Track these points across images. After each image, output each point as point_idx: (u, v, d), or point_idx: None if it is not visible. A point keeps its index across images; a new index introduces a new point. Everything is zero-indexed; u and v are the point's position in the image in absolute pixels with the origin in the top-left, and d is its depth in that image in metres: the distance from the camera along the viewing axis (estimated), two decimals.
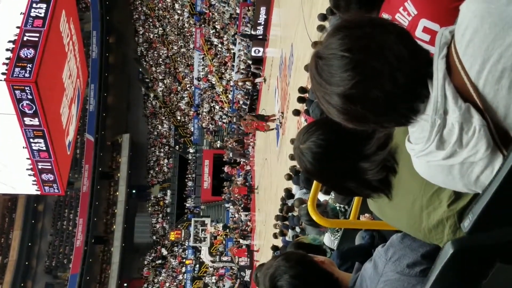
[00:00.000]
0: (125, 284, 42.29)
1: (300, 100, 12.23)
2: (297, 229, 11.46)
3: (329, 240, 4.62)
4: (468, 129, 1.10)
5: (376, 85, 1.11)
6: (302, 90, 11.85)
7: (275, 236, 15.67)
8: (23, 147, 22.01)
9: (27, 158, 22.63)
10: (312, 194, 3.14)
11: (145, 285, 42.65)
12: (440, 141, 1.15)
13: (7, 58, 19.66)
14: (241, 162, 31.23)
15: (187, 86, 41.46)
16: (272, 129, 22.46)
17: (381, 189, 1.52)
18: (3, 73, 19.43)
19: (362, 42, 1.13)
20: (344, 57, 1.12)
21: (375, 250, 3.27)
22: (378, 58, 1.11)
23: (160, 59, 43.82)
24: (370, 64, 1.11)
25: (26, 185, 24.32)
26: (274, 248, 15.21)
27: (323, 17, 9.98)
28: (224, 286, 34.22)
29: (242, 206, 30.36)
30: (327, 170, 1.59)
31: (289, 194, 13.15)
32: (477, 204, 1.15)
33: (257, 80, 27.61)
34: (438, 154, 1.17)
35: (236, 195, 30.79)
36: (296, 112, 13.20)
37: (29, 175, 23.53)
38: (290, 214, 12.47)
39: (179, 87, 42.52)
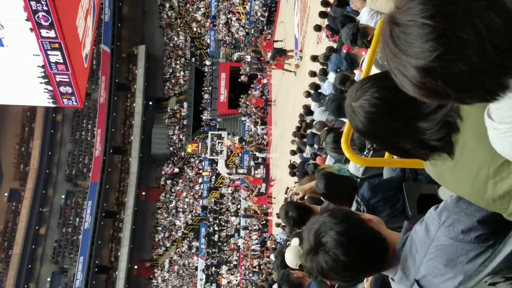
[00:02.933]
0: (143, 193, 43.40)
1: (322, 15, 11.88)
2: (315, 146, 11.51)
3: (354, 168, 4.60)
4: None
5: (461, 58, 0.99)
6: (325, 3, 11.43)
7: (293, 152, 15.78)
8: (34, 55, 21.82)
9: (38, 66, 22.47)
10: (346, 130, 3.08)
11: (163, 194, 43.80)
12: None
13: None
14: (258, 76, 31.02)
15: None
16: (291, 71, 21.82)
17: (441, 148, 1.42)
18: None
19: (447, 8, 1.00)
20: (425, 25, 1.00)
21: (404, 186, 3.22)
22: (465, 27, 0.98)
23: None
24: (456, 34, 0.99)
25: (38, 94, 24.29)
26: (292, 166, 15.36)
27: None
28: (240, 196, 35.07)
29: (258, 119, 30.47)
30: (380, 131, 1.49)
31: (308, 110, 13.09)
32: None
33: None
34: None
35: (252, 108, 30.83)
36: (317, 28, 12.84)
37: (40, 83, 23.44)
38: (308, 131, 12.48)
39: None
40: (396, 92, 1.35)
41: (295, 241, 4.46)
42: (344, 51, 7.56)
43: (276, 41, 26.73)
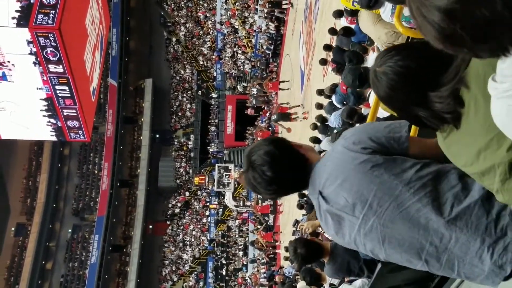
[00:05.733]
0: (150, 226, 43.20)
1: (326, 48, 11.94)
2: None
3: None
4: None
5: (486, 3, 0.97)
6: (333, 31, 11.48)
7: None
8: (37, 88, 21.94)
9: (41, 99, 22.58)
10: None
11: (170, 227, 43.57)
12: None
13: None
14: (264, 108, 31.13)
15: (210, 30, 40.97)
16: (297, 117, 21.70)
17: (450, 120, 1.48)
18: (18, 18, 19.33)
19: None
20: None
21: None
22: None
23: (182, 3, 43.16)
24: None
25: (40, 127, 24.33)
26: (301, 195, 15.21)
27: None
28: (247, 229, 34.85)
29: None
30: (399, 98, 1.55)
31: (315, 139, 13.05)
32: None
33: (284, 3, 26.87)
34: None
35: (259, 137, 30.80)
36: (323, 61, 12.90)
37: (44, 116, 23.55)
38: None
39: (201, 32, 42.03)
40: (419, 63, 1.49)
41: (301, 284, 4.39)
42: (344, 87, 7.55)
43: (283, 81, 26.90)
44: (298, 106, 21.48)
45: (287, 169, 1.93)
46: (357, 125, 1.56)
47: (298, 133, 21.40)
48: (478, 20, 0.98)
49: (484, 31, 1.00)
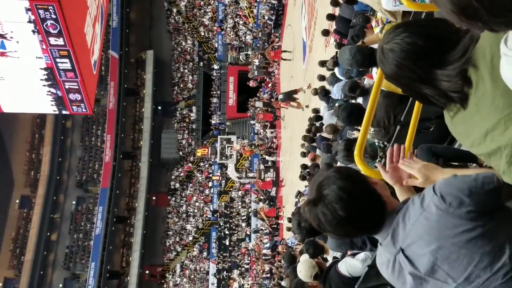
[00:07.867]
0: (154, 198, 43.46)
1: (330, 17, 11.81)
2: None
3: None
4: None
5: None
6: (335, 2, 11.32)
7: (303, 154, 15.69)
8: (37, 57, 21.63)
9: (41, 69, 22.28)
10: (360, 140, 3.00)
11: (173, 199, 43.84)
12: None
13: None
14: (266, 79, 30.98)
15: (210, 0, 40.53)
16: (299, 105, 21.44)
17: (457, 99, 1.48)
18: None
19: None
20: None
21: None
22: None
23: None
24: None
25: (41, 98, 24.00)
26: (304, 166, 15.25)
27: None
28: (250, 201, 35.04)
29: (267, 122, 30.38)
30: (405, 75, 1.53)
31: (317, 116, 13.05)
32: None
33: None
34: None
35: (260, 120, 30.65)
36: (325, 32, 12.79)
37: (44, 85, 23.27)
38: (318, 135, 12.43)
39: (202, 2, 41.58)
40: (427, 40, 1.47)
41: (305, 256, 4.42)
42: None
43: (285, 51, 26.70)
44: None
45: (362, 211, 1.73)
46: (448, 177, 1.47)
47: (301, 97, 21.37)
48: None
49: (501, 3, 0.98)
